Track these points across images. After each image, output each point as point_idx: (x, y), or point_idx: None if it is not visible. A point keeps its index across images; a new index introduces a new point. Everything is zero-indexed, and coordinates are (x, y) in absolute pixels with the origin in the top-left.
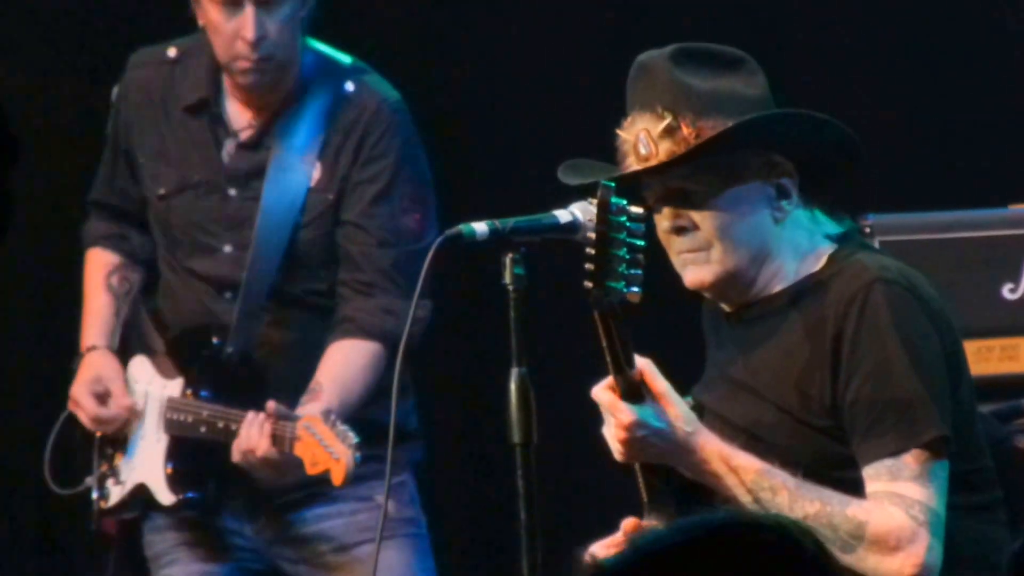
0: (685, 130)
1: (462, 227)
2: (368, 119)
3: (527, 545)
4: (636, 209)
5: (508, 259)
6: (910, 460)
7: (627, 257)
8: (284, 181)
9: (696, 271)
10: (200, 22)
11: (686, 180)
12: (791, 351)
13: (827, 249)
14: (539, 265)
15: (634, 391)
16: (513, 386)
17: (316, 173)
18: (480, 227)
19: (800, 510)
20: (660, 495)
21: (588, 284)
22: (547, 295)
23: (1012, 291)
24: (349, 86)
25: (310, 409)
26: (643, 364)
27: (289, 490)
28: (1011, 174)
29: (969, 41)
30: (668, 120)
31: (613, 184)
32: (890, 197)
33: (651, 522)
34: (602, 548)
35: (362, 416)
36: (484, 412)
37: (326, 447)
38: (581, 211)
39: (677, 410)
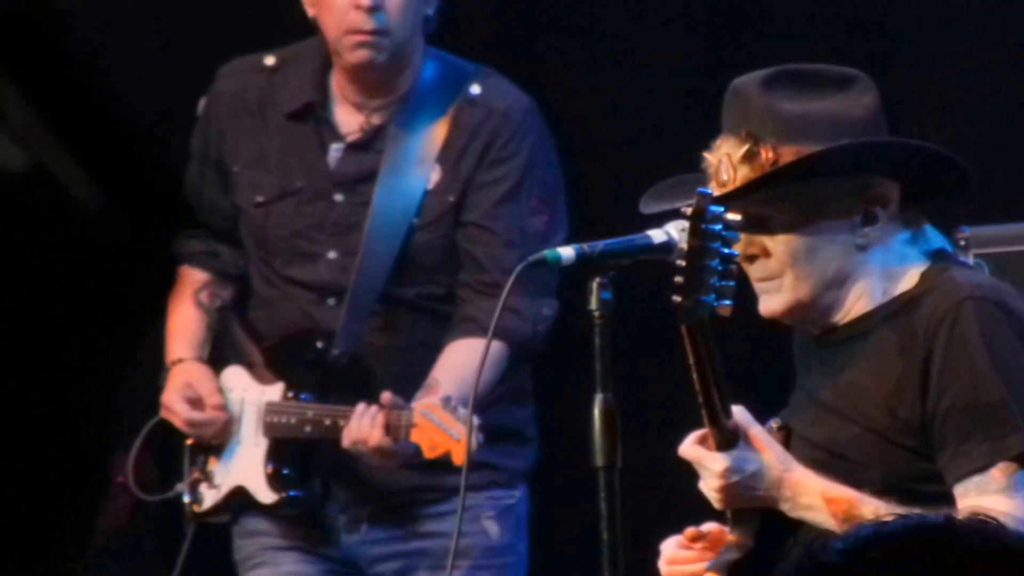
0: (764, 155)
1: (547, 252)
2: (497, 121)
3: (609, 568)
4: (734, 216)
5: (595, 283)
6: (997, 474)
7: (720, 268)
8: (398, 184)
9: (767, 300)
10: (311, 12)
11: (764, 206)
12: (880, 370)
13: (919, 266)
14: (625, 286)
15: (729, 436)
16: (597, 411)
17: (435, 175)
18: (566, 252)
19: None
20: (745, 511)
21: (676, 298)
22: (633, 316)
23: None
24: (475, 89)
25: (424, 398)
26: (736, 410)
27: (396, 493)
28: None
29: None
30: (748, 145)
31: (710, 192)
32: (988, 207)
33: (735, 536)
34: (674, 545)
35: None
36: (570, 434)
37: (446, 429)
38: (676, 230)
39: (771, 452)
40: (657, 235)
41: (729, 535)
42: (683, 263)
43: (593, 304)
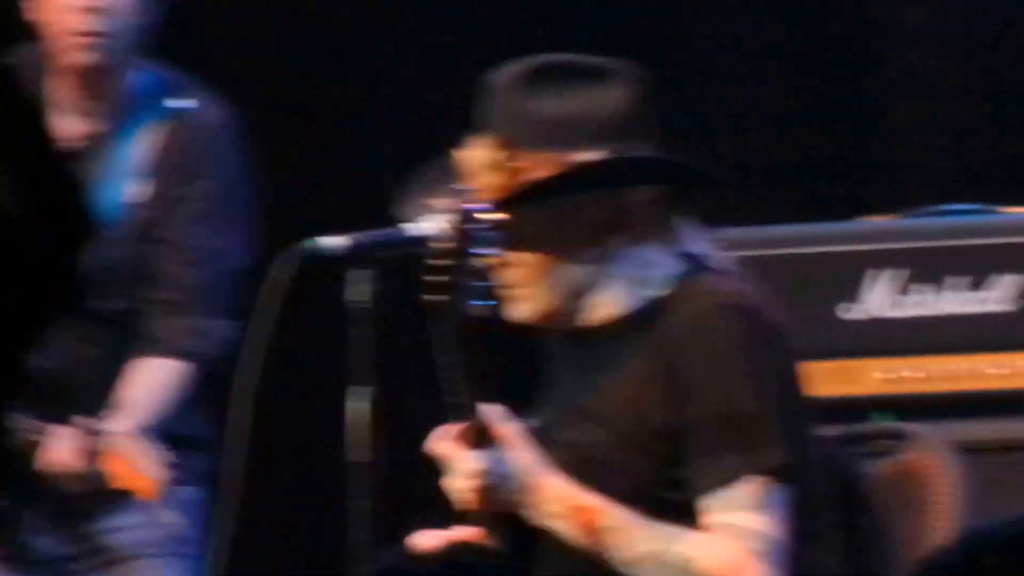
0: (512, 164)
1: (316, 240)
2: (196, 137)
3: (359, 568)
4: (496, 216)
5: (354, 275)
6: (747, 488)
7: (479, 268)
8: (105, 195)
9: (514, 308)
10: (32, 16)
11: (509, 215)
12: (629, 376)
13: (671, 271)
14: (384, 281)
15: (481, 436)
16: (356, 405)
17: (136, 189)
18: (334, 242)
19: (634, 549)
20: (491, 515)
21: (434, 296)
22: (392, 312)
23: (851, 311)
24: (179, 102)
25: (118, 425)
26: (491, 409)
27: (83, 497)
28: (870, 184)
29: (835, 44)
30: (498, 151)
31: (474, 188)
32: (744, 208)
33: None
34: (426, 539)
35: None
36: (324, 432)
37: (134, 464)
38: (436, 225)
39: (523, 455)
40: (417, 229)
41: (476, 540)
42: (441, 262)
43: (352, 296)
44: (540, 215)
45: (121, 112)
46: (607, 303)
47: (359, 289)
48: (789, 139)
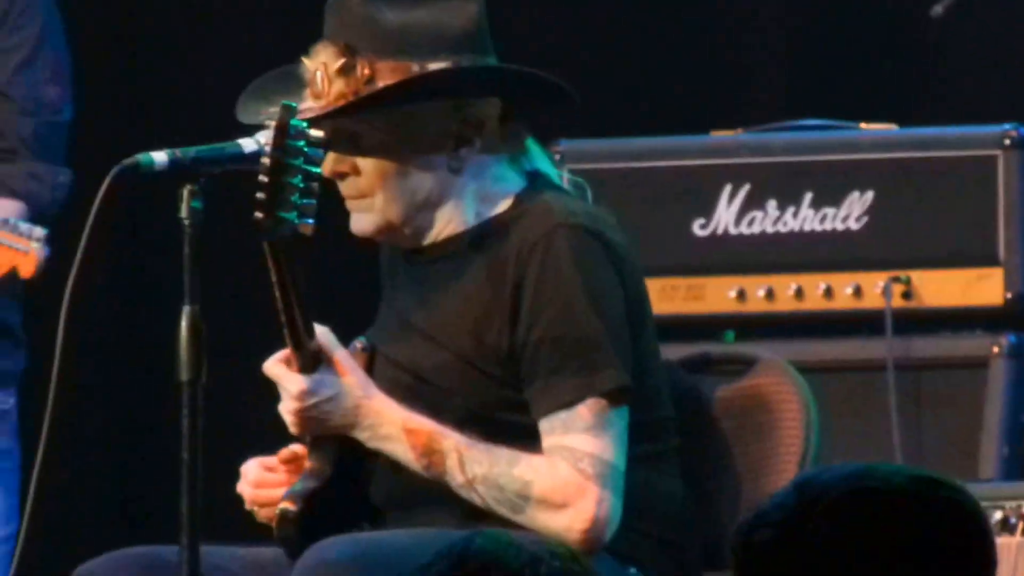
0: (360, 70)
1: (140, 157)
2: None
3: (188, 485)
4: (317, 133)
5: (186, 191)
6: (585, 410)
7: (301, 186)
8: None
9: (357, 219)
10: None
11: (355, 124)
12: (469, 295)
13: (515, 189)
14: (219, 197)
15: (311, 358)
16: (184, 323)
17: None
18: (159, 157)
19: (470, 472)
20: (323, 438)
21: (258, 213)
22: (226, 228)
23: (703, 227)
24: None
25: None
26: (321, 331)
27: None
28: (719, 98)
29: None
30: (345, 58)
31: (295, 105)
32: (592, 120)
33: (312, 464)
34: (257, 467)
35: None
36: (150, 349)
37: (10, 245)
38: (267, 139)
39: (352, 376)
40: (248, 144)
41: (307, 462)
42: (265, 178)
43: (183, 212)
44: (385, 123)
45: None
46: (449, 219)
47: (191, 206)
48: (641, 51)
